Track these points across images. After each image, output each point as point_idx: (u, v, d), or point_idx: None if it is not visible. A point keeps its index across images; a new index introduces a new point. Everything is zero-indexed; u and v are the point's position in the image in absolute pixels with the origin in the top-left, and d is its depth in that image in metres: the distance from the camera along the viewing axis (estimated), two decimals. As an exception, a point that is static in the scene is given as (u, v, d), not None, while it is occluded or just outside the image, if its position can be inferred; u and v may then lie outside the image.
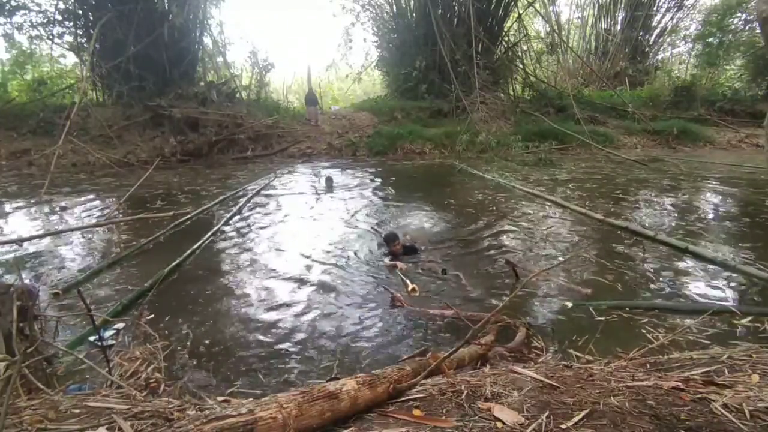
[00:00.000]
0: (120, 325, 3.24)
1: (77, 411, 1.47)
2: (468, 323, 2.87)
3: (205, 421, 1.16)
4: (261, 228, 6.15)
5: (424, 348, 2.87)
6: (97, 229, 6.00)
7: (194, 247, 5.03)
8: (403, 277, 3.96)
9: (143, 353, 2.56)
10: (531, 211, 6.75)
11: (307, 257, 4.84)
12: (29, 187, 9.01)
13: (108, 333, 3.10)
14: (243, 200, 7.54)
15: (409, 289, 3.63)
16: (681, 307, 3.59)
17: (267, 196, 8.20)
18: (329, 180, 8.61)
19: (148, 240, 5.33)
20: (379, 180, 9.91)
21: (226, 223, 6.21)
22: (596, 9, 23.26)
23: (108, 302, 3.73)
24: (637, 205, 7.29)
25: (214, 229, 5.79)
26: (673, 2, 22.24)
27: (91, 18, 14.42)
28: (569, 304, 3.55)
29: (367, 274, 4.35)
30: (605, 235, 5.54)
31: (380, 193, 8.43)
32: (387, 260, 4.58)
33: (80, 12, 14.65)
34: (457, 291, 3.92)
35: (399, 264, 4.36)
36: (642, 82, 21.18)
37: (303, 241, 5.46)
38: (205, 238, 5.35)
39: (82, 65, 15.17)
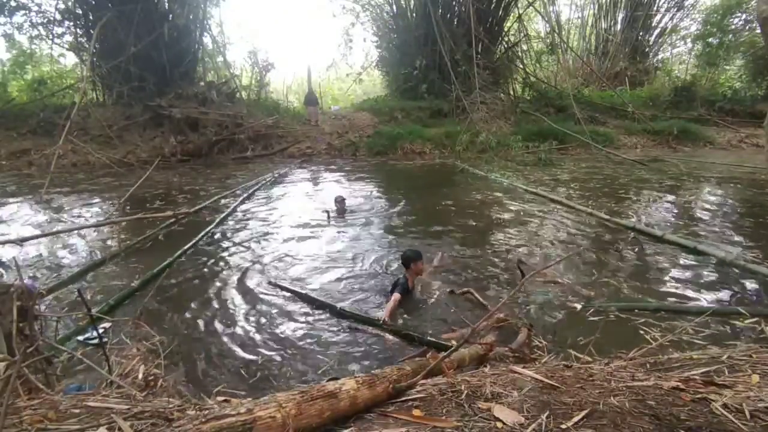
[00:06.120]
0: (107, 324, 3.22)
1: (77, 411, 1.47)
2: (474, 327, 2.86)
3: (204, 420, 1.16)
4: (255, 233, 6.14)
5: (424, 348, 2.87)
6: (97, 228, 6.00)
7: (185, 248, 5.04)
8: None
9: (140, 351, 2.56)
10: (535, 212, 6.74)
11: (305, 261, 4.83)
12: (29, 187, 9.01)
13: (95, 333, 3.08)
14: (233, 205, 7.41)
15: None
16: (689, 308, 3.57)
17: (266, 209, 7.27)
18: (341, 201, 6.76)
19: (137, 241, 5.34)
20: (383, 184, 9.85)
21: (220, 225, 6.20)
22: (596, 9, 23.24)
23: (97, 301, 3.73)
24: (640, 205, 7.29)
25: (198, 237, 5.51)
26: (673, 2, 22.22)
27: (91, 18, 14.40)
28: (578, 306, 3.53)
29: (370, 281, 4.27)
30: (611, 235, 5.53)
31: (387, 204, 7.87)
32: (390, 305, 3.42)
33: (80, 12, 14.64)
34: (466, 308, 3.60)
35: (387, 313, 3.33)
36: (642, 82, 21.16)
37: (300, 246, 5.44)
38: (195, 241, 5.33)
39: (82, 65, 15.18)
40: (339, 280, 4.27)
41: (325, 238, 5.61)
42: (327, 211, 6.52)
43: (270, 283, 4.13)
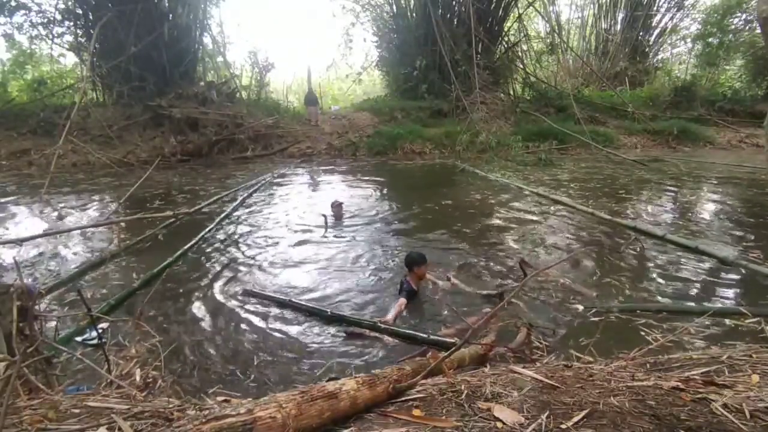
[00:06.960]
0: (104, 325, 3.22)
1: (77, 411, 1.47)
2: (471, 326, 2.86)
3: (204, 420, 1.16)
4: (253, 236, 6.13)
5: (424, 348, 2.87)
6: (97, 228, 6.00)
7: (184, 248, 5.03)
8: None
9: (140, 351, 2.56)
10: (536, 212, 6.73)
11: (305, 264, 4.81)
12: (28, 187, 9.01)
13: (93, 333, 3.09)
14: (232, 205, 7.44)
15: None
16: (691, 309, 3.57)
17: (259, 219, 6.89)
18: (338, 206, 6.53)
19: (137, 241, 5.33)
20: (382, 185, 9.82)
21: (219, 226, 6.19)
22: (596, 9, 23.24)
23: (97, 301, 3.73)
24: (641, 205, 7.28)
25: (197, 238, 5.48)
26: (673, 2, 22.21)
27: (91, 18, 14.41)
28: (580, 308, 3.53)
29: (372, 284, 4.25)
30: (612, 235, 5.52)
31: (386, 205, 7.82)
32: (395, 310, 3.41)
33: (80, 12, 14.65)
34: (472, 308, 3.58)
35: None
36: (642, 82, 21.14)
37: (300, 249, 5.42)
38: (194, 242, 5.31)
39: (82, 65, 15.18)
40: (340, 282, 4.26)
41: (324, 241, 5.59)
42: (324, 216, 6.23)
43: (246, 291, 3.95)
